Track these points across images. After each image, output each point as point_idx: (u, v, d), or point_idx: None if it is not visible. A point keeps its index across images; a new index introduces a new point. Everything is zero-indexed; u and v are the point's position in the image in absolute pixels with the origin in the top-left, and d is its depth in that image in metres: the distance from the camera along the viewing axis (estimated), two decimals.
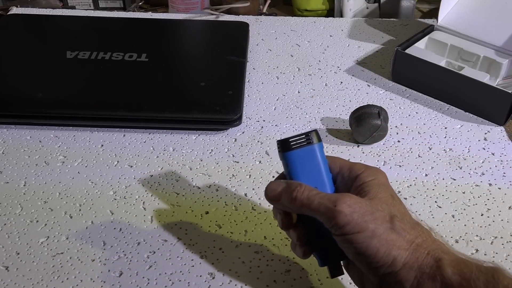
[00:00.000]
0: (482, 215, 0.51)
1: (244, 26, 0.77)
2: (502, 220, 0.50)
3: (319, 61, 0.74)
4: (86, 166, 0.56)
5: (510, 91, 0.60)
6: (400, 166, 0.56)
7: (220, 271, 0.45)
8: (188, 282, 0.44)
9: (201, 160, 0.57)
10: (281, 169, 0.55)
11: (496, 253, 0.47)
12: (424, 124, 0.63)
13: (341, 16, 0.88)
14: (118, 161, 0.56)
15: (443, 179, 0.55)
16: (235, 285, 0.44)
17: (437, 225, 0.50)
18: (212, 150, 0.58)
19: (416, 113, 0.64)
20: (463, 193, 0.53)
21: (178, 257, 0.46)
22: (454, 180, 0.55)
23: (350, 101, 0.66)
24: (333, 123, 0.62)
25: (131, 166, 0.56)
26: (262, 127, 0.62)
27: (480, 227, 0.50)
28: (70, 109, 0.60)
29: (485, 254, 0.47)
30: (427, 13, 0.95)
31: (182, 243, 0.47)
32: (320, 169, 0.39)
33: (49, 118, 0.61)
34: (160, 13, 0.87)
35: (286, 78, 0.71)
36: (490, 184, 0.54)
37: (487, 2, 0.70)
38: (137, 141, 0.59)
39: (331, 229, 0.36)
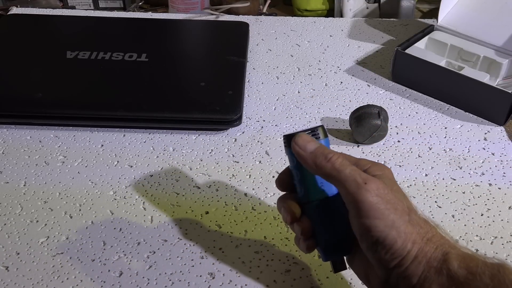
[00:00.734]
0: (482, 215, 0.51)
1: (244, 26, 0.77)
2: (502, 220, 0.50)
3: (319, 61, 0.74)
4: (86, 166, 0.56)
5: (510, 91, 0.60)
6: (400, 166, 0.56)
7: (220, 271, 0.45)
8: (188, 282, 0.44)
9: (201, 160, 0.57)
10: (281, 169, 0.55)
11: (496, 253, 0.47)
12: (424, 124, 0.63)
13: (341, 16, 0.88)
14: (118, 161, 0.56)
15: (443, 179, 0.55)
16: (235, 285, 0.44)
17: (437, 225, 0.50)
18: (212, 150, 0.58)
19: (416, 113, 0.64)
20: (463, 193, 0.53)
21: (178, 257, 0.46)
22: (454, 180, 0.55)
23: (350, 101, 0.66)
24: (333, 123, 0.62)
25: (131, 166, 0.56)
26: (262, 127, 0.62)
27: (480, 227, 0.50)
28: (70, 109, 0.60)
29: (485, 254, 0.47)
30: (427, 13, 0.95)
31: (182, 243, 0.47)
32: None
33: (49, 118, 0.61)
34: (160, 13, 0.87)
35: (286, 78, 0.71)
36: (490, 184, 0.54)
37: (487, 2, 0.70)
38: (137, 141, 0.59)
39: (352, 209, 0.35)
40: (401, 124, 0.62)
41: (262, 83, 0.70)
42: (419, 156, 0.58)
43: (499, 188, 0.54)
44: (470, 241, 0.48)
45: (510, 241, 0.48)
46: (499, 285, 0.31)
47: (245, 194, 0.53)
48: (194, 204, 0.51)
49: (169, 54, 0.69)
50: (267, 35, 0.81)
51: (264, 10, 0.92)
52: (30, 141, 0.59)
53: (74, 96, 0.62)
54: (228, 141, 0.60)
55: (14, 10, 0.84)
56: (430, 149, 0.59)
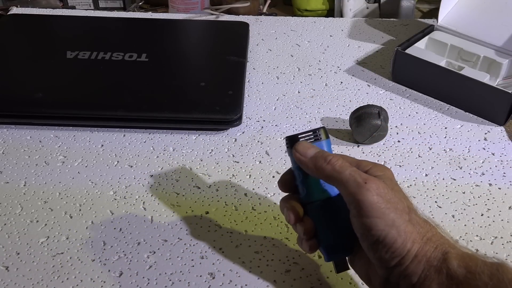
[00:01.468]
0: (482, 215, 0.51)
1: (244, 26, 0.77)
2: (502, 220, 0.50)
3: (319, 61, 0.74)
4: (86, 166, 0.56)
5: (510, 91, 0.60)
6: (400, 166, 0.56)
7: (220, 271, 0.45)
8: (188, 282, 0.44)
9: (201, 160, 0.57)
10: (281, 169, 0.56)
11: (496, 253, 0.47)
12: (424, 124, 0.63)
13: (341, 16, 0.88)
14: (118, 161, 0.56)
15: (443, 179, 0.55)
16: (235, 285, 0.44)
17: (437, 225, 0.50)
18: (212, 150, 0.58)
19: (416, 113, 0.64)
20: (463, 193, 0.53)
21: (178, 257, 0.46)
22: (454, 180, 0.55)
23: (350, 101, 0.66)
24: (333, 123, 0.62)
25: (131, 166, 0.56)
26: (262, 127, 0.62)
27: (480, 227, 0.50)
28: (70, 109, 0.60)
29: (485, 254, 0.47)
30: (427, 13, 0.95)
31: (182, 243, 0.47)
32: None
33: (49, 118, 0.61)
34: (160, 13, 0.87)
35: (286, 78, 0.71)
36: (490, 184, 0.54)
37: (487, 2, 0.70)
38: (137, 141, 0.59)
39: (353, 208, 0.35)
40: (401, 124, 0.62)
41: (262, 83, 0.70)
42: (419, 156, 0.58)
43: (499, 188, 0.54)
44: (470, 241, 0.48)
45: (510, 241, 0.48)
46: (498, 283, 0.31)
47: (245, 194, 0.53)
48: (194, 204, 0.51)
49: (169, 54, 0.69)
50: (267, 35, 0.81)
51: (264, 10, 0.92)
52: (30, 141, 0.59)
53: (74, 96, 0.62)
54: (228, 141, 0.60)
55: (14, 10, 0.84)
56: (430, 149, 0.59)
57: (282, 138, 0.60)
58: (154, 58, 0.67)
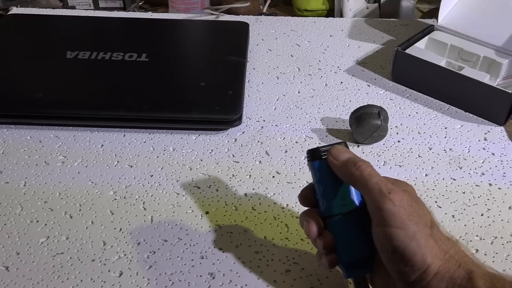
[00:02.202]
0: (482, 215, 0.51)
1: (244, 26, 0.77)
2: (502, 220, 0.50)
3: (319, 61, 0.74)
4: (86, 166, 0.56)
5: (510, 91, 0.60)
6: (400, 166, 0.56)
7: (220, 271, 0.45)
8: (188, 282, 0.44)
9: (201, 160, 0.57)
10: (281, 169, 0.56)
11: (496, 253, 0.47)
12: (424, 124, 0.63)
13: (341, 16, 0.88)
14: (118, 161, 0.56)
15: (443, 179, 0.55)
16: (235, 285, 0.44)
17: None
18: (212, 150, 0.58)
19: (416, 113, 0.64)
20: (463, 193, 0.53)
21: (178, 257, 0.46)
22: (454, 180, 0.55)
23: (350, 101, 0.66)
24: (333, 123, 0.62)
25: (131, 166, 0.56)
26: (262, 127, 0.62)
27: (480, 227, 0.50)
28: (70, 109, 0.60)
29: (485, 254, 0.47)
30: (427, 13, 0.95)
31: (182, 243, 0.47)
32: None
33: (49, 118, 0.61)
34: (160, 13, 0.87)
35: (286, 78, 0.71)
36: (490, 184, 0.54)
37: (487, 2, 0.70)
38: (137, 141, 0.59)
39: (375, 217, 0.35)
40: (401, 124, 0.62)
41: (262, 83, 0.70)
42: (419, 156, 0.58)
43: (499, 188, 0.54)
44: (470, 241, 0.48)
45: (510, 241, 0.48)
46: None
47: (245, 194, 0.53)
48: (194, 204, 0.51)
49: (169, 54, 0.69)
50: (267, 35, 0.81)
51: (264, 10, 0.92)
52: (30, 141, 0.59)
53: (74, 96, 0.62)
54: (228, 141, 0.60)
55: (14, 10, 0.84)
56: (430, 149, 0.59)
57: (283, 139, 0.60)
58: (154, 58, 0.67)
